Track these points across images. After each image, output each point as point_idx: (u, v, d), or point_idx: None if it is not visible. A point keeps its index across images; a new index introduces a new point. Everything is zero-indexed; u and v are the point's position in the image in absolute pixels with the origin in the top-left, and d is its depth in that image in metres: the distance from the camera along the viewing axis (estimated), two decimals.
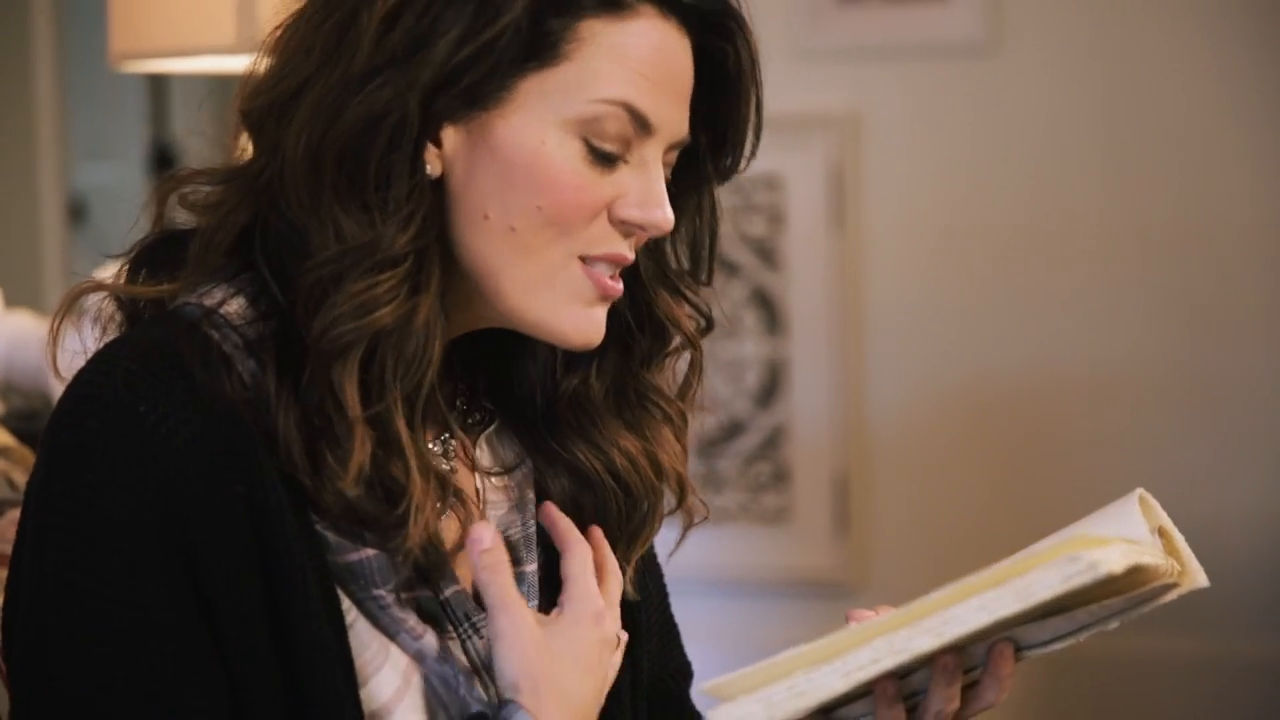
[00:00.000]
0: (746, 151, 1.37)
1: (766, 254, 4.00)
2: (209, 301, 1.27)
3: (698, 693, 1.18)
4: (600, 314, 1.32)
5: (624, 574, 1.40)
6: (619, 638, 1.36)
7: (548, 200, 1.27)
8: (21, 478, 1.78)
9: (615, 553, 1.40)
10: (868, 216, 4.01)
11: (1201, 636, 3.87)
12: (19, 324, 3.11)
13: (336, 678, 1.25)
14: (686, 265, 1.40)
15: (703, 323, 1.42)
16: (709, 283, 1.42)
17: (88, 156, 6.00)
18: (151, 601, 1.21)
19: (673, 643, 1.54)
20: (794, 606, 4.10)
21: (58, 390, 3.09)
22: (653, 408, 1.41)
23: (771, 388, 4.07)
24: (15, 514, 1.69)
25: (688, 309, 1.41)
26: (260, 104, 1.29)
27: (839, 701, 1.24)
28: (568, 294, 1.30)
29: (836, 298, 4.01)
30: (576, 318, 1.30)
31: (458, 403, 1.39)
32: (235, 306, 1.27)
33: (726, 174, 1.38)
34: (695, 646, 1.58)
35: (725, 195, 1.43)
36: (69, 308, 1.33)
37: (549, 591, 1.39)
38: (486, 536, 1.30)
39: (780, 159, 3.93)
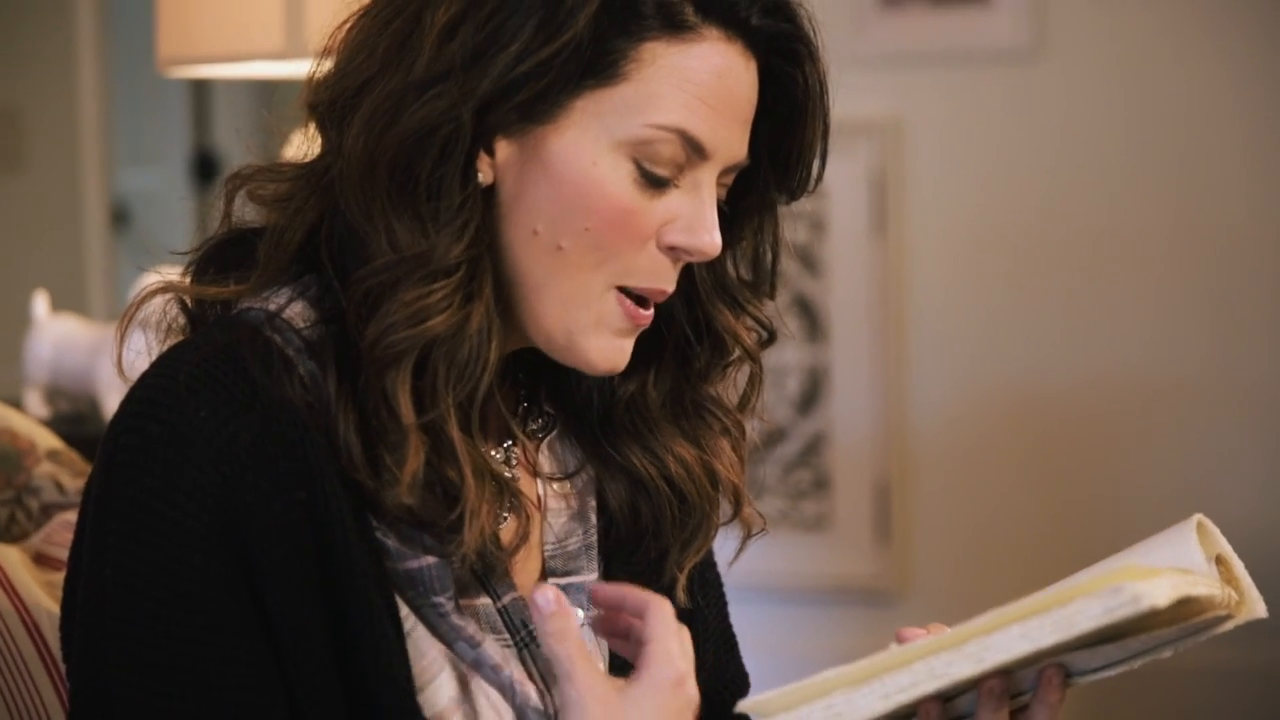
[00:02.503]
0: (813, 174, 1.36)
1: (808, 260, 4.00)
2: (272, 306, 1.28)
3: (737, 708, 1.17)
4: (628, 344, 1.32)
5: (679, 581, 1.40)
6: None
7: (595, 222, 1.26)
8: (70, 481, 1.79)
9: (669, 559, 1.40)
10: (909, 223, 4.00)
11: (1241, 642, 3.86)
12: (66, 328, 3.12)
13: (397, 683, 1.25)
14: (748, 279, 1.39)
15: (764, 335, 1.41)
16: (772, 296, 1.41)
17: (131, 161, 6.02)
18: (210, 606, 1.21)
19: (730, 653, 1.54)
20: (835, 614, 4.10)
21: (106, 394, 3.12)
22: (710, 418, 1.41)
23: (812, 394, 4.07)
24: (65, 517, 1.71)
25: (748, 322, 1.40)
26: (324, 99, 1.30)
27: None
28: (598, 321, 1.29)
29: (877, 304, 4.01)
30: (603, 346, 1.30)
31: (520, 409, 1.39)
32: (298, 309, 1.28)
33: (793, 195, 1.37)
34: None
35: None
36: (139, 308, 1.33)
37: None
38: (550, 599, 1.22)
39: None
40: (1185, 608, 1.17)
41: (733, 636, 1.54)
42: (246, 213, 1.35)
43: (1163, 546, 1.21)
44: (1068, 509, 3.99)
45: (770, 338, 1.42)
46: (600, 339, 1.30)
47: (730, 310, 1.39)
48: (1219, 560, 1.25)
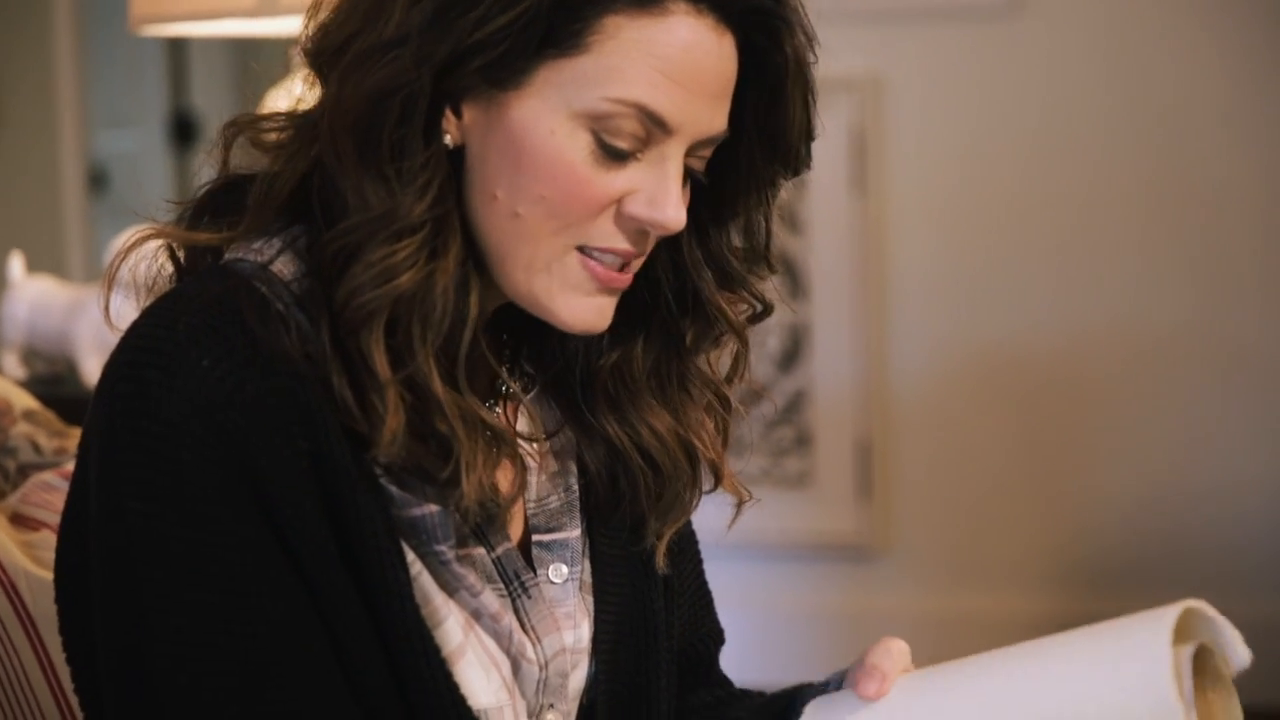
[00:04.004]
0: (801, 150, 1.34)
1: (788, 218, 3.99)
2: (261, 258, 1.28)
3: None
4: (604, 302, 1.31)
5: (658, 549, 1.41)
6: None
7: (550, 190, 1.26)
8: (46, 441, 1.78)
9: (647, 527, 1.40)
10: (890, 180, 4.00)
11: (1222, 598, 3.87)
12: (41, 289, 3.11)
13: (414, 620, 1.26)
14: (743, 254, 1.38)
15: (759, 309, 1.41)
16: (773, 271, 1.40)
17: (108, 124, 6.00)
18: (240, 543, 1.22)
19: (706, 608, 1.55)
20: (816, 570, 4.11)
21: (84, 356, 3.11)
22: (695, 392, 1.41)
23: (793, 352, 4.07)
24: (42, 477, 1.71)
25: (743, 296, 1.39)
26: (314, 49, 1.30)
27: None
28: (563, 283, 1.29)
29: (858, 261, 4.01)
30: (574, 306, 1.29)
31: (503, 369, 1.39)
32: (287, 261, 1.28)
33: (786, 171, 1.36)
34: (718, 609, 1.58)
35: None
36: (130, 254, 1.33)
37: (593, 558, 1.40)
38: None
39: None
40: None
41: (708, 592, 1.55)
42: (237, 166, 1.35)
43: (1132, 658, 1.19)
44: (1048, 465, 4.00)
45: (765, 311, 1.42)
46: (571, 299, 1.29)
47: (719, 284, 1.38)
48: (1203, 651, 1.22)
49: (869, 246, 4.00)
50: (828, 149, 3.95)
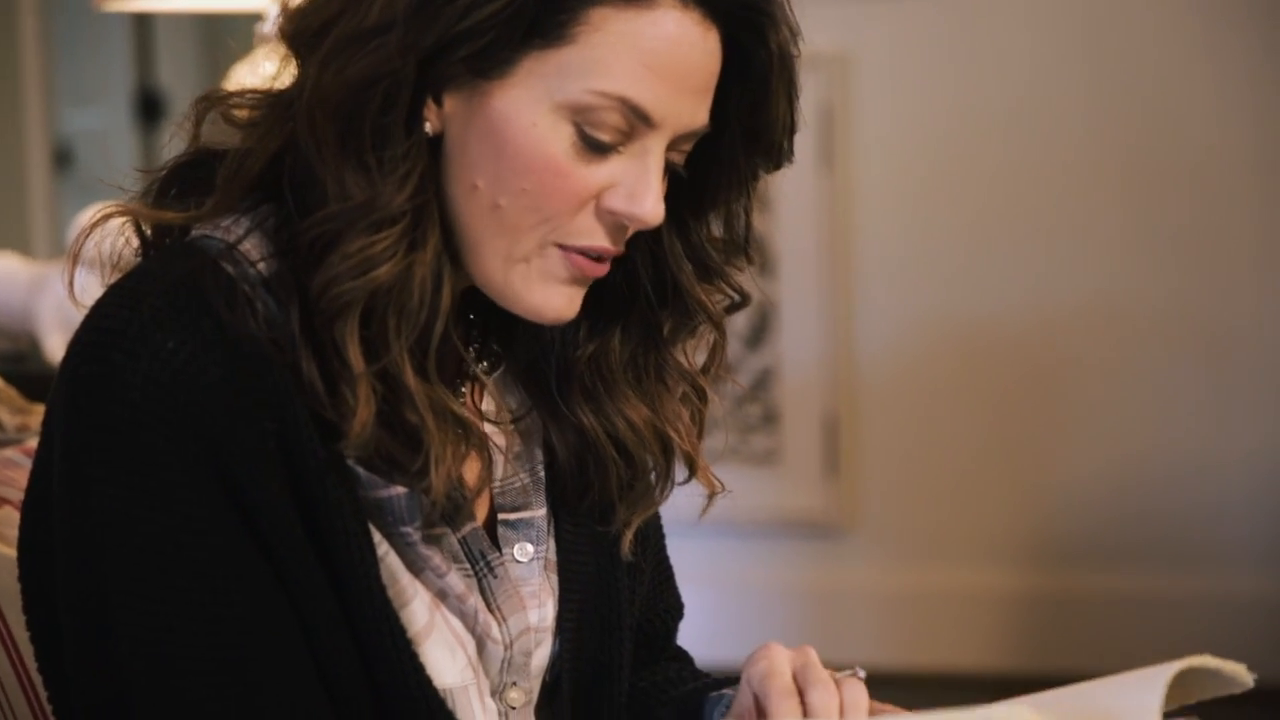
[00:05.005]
0: (784, 146, 1.34)
1: (755, 196, 3.98)
2: (229, 237, 1.27)
3: None
4: (575, 292, 1.31)
5: (624, 537, 1.41)
6: None
7: (532, 183, 1.25)
8: (9, 418, 1.78)
9: (616, 516, 1.40)
10: (857, 157, 4.00)
11: (1191, 576, 3.89)
12: (4, 266, 3.10)
13: (380, 601, 1.26)
14: (721, 246, 1.38)
15: (736, 300, 1.41)
16: (751, 262, 1.40)
17: (73, 102, 5.97)
18: (209, 527, 1.21)
19: (666, 583, 1.55)
20: (783, 547, 4.11)
21: (47, 333, 3.09)
22: (672, 383, 1.41)
23: (761, 329, 4.07)
24: (3, 453, 1.70)
25: (719, 287, 1.39)
26: (292, 30, 1.29)
27: None
28: (541, 273, 1.28)
29: (825, 238, 4.01)
30: (548, 294, 1.29)
31: (469, 351, 1.38)
32: (255, 242, 1.27)
33: (768, 165, 1.36)
34: (686, 587, 1.59)
35: None
36: (94, 229, 1.32)
37: (558, 537, 1.40)
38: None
39: None
40: None
41: (669, 566, 1.55)
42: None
43: (1129, 699, 1.16)
44: (1016, 442, 4.00)
45: (743, 302, 1.41)
46: (545, 288, 1.29)
47: (699, 276, 1.38)
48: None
49: (836, 224, 4.00)
50: None
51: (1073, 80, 3.90)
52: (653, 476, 1.41)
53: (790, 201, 4.01)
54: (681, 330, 1.39)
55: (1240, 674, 1.20)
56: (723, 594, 4.03)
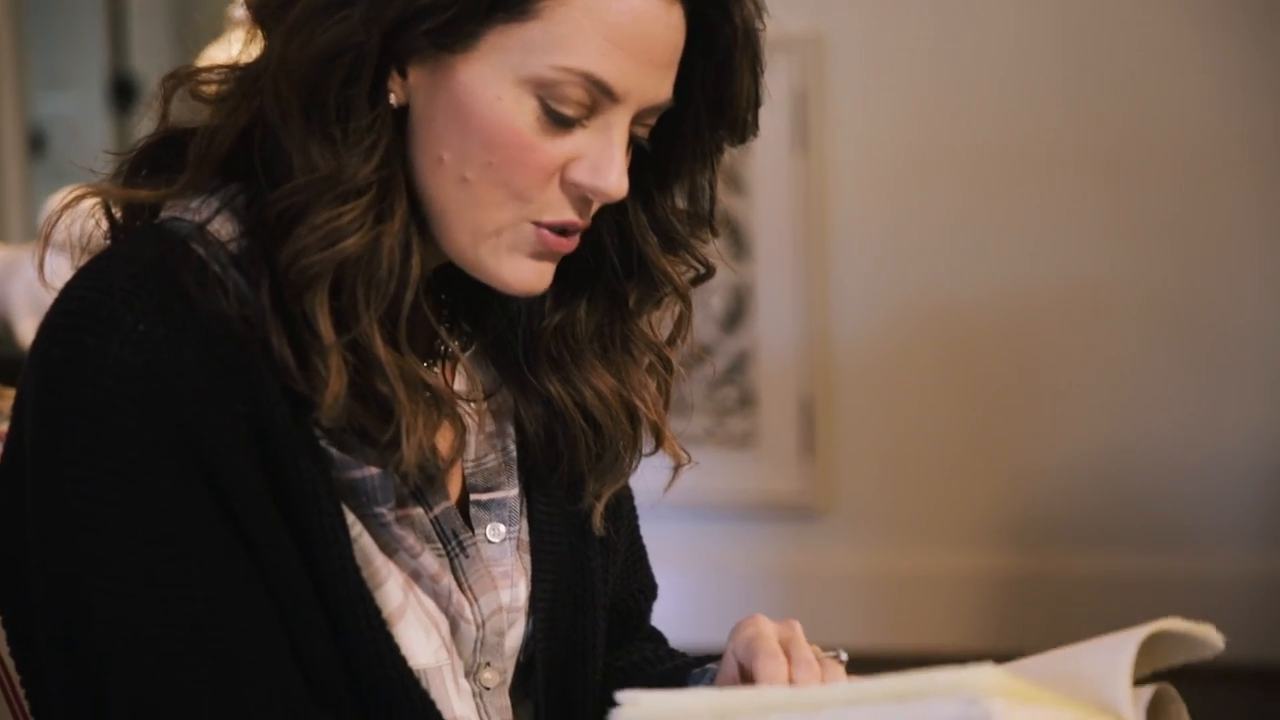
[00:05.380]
0: (749, 120, 1.35)
1: (730, 178, 3.99)
2: (199, 217, 1.27)
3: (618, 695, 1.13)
4: (546, 267, 1.31)
5: (595, 510, 1.41)
6: None
7: (497, 156, 1.26)
8: None
9: (585, 488, 1.41)
10: (831, 139, 4.00)
11: (1165, 555, 3.89)
12: None
13: (354, 582, 1.26)
14: (686, 218, 1.38)
15: (702, 271, 1.41)
16: (716, 234, 1.40)
17: (47, 86, 5.95)
18: (183, 509, 1.21)
19: (639, 562, 1.55)
20: (760, 529, 4.12)
21: (19, 317, 3.09)
22: (638, 354, 1.41)
23: (737, 312, 4.07)
24: None
25: (686, 258, 1.40)
26: (258, 2, 1.28)
27: None
28: (511, 246, 1.29)
29: (801, 221, 4.01)
30: (518, 268, 1.30)
31: (441, 329, 1.38)
32: (224, 221, 1.27)
33: (732, 138, 1.36)
34: (663, 569, 1.59)
35: None
36: (65, 210, 1.31)
37: (530, 517, 1.41)
38: None
39: None
40: None
41: (642, 546, 1.56)
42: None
43: (1098, 660, 1.14)
44: (992, 423, 4.01)
45: (708, 273, 1.42)
46: (513, 262, 1.29)
47: (664, 248, 1.39)
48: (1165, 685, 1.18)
49: (811, 207, 4.00)
50: (769, 109, 3.89)
51: (1053, 61, 3.90)
52: (621, 447, 1.41)
53: (765, 185, 4.01)
54: (647, 301, 1.40)
55: (1210, 636, 1.20)
56: (700, 576, 4.04)
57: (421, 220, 1.29)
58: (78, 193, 1.31)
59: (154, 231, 1.28)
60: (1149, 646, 1.18)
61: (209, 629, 1.21)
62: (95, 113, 6.05)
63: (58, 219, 1.31)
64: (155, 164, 1.32)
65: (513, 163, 1.26)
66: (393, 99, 1.26)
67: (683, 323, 1.43)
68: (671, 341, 1.43)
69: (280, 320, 1.23)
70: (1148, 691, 1.15)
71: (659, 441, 1.44)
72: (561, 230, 1.29)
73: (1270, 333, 3.87)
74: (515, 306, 1.39)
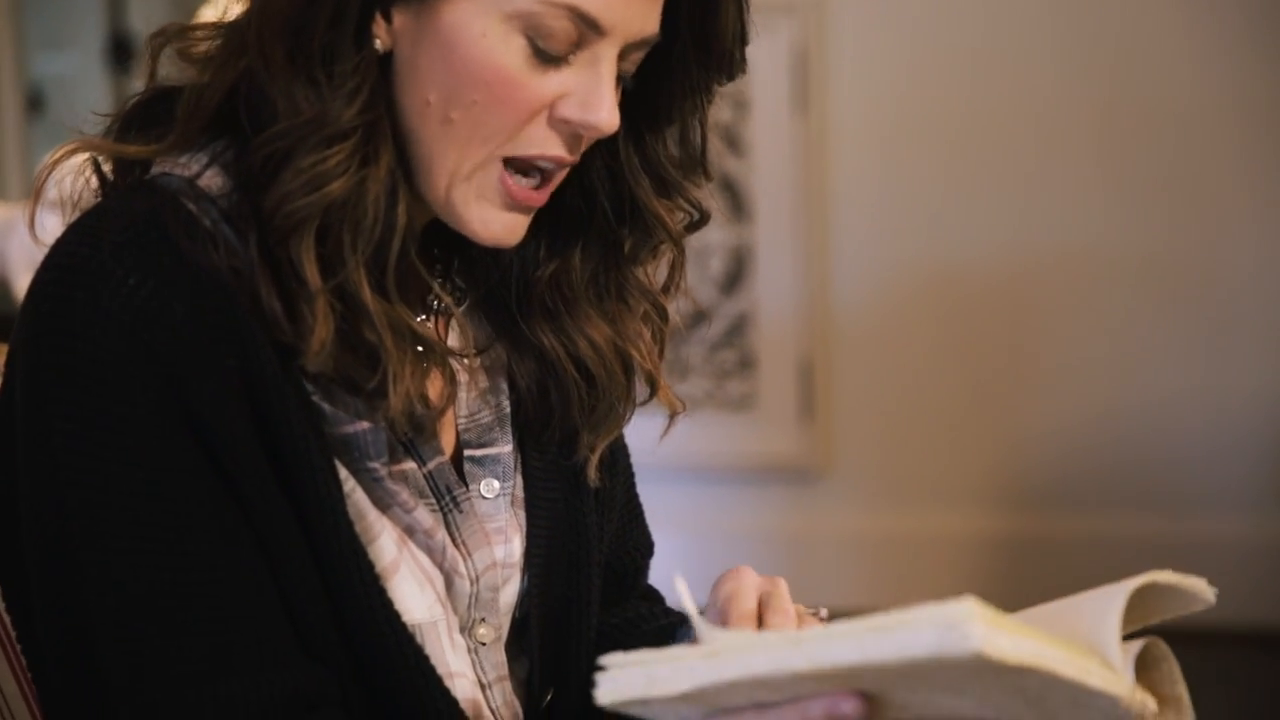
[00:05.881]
0: (735, 55, 1.34)
1: (731, 140, 3.98)
2: (188, 172, 1.27)
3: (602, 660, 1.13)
4: (515, 219, 1.30)
5: (590, 462, 1.41)
6: None
7: (483, 95, 1.25)
8: None
9: (579, 440, 1.40)
10: (832, 101, 3.99)
11: (1177, 517, 3.90)
12: None
13: (347, 536, 1.26)
14: (678, 161, 1.38)
15: (696, 216, 1.41)
16: (709, 178, 1.40)
17: (45, 46, 5.94)
18: (173, 464, 1.21)
19: (635, 519, 1.55)
20: (759, 492, 4.12)
21: (16, 274, 3.08)
22: (633, 301, 1.41)
23: (736, 274, 4.06)
24: None
25: (680, 203, 1.39)
26: None
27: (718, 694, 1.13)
28: (479, 194, 1.28)
29: (801, 183, 4.00)
30: (487, 218, 1.29)
31: (434, 283, 1.38)
32: (214, 175, 1.27)
33: (720, 76, 1.35)
34: (662, 532, 1.59)
35: None
36: (56, 166, 1.31)
37: (525, 473, 1.40)
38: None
39: None
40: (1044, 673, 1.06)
41: (638, 503, 1.56)
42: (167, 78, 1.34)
43: (1089, 609, 1.13)
44: (989, 386, 4.01)
45: (702, 219, 1.42)
46: (482, 211, 1.29)
47: (656, 192, 1.38)
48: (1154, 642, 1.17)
49: (811, 168, 4.00)
50: (769, 70, 3.94)
51: (1051, 24, 3.89)
52: (614, 397, 1.41)
53: (765, 146, 4.00)
54: (642, 248, 1.40)
55: (1201, 589, 1.20)
56: (699, 539, 4.04)
57: (408, 168, 1.28)
58: (69, 148, 1.31)
59: (144, 187, 1.27)
60: (1140, 600, 1.18)
61: (198, 583, 1.21)
62: (94, 73, 6.04)
63: (49, 174, 1.31)
64: (145, 121, 1.32)
65: (499, 100, 1.25)
66: (378, 44, 1.26)
67: (677, 269, 1.43)
68: (666, 289, 1.43)
69: (269, 270, 1.23)
70: (1137, 645, 1.15)
71: (653, 390, 1.44)
72: (538, 184, 1.29)
73: (1267, 294, 3.87)
74: (508, 258, 1.39)
